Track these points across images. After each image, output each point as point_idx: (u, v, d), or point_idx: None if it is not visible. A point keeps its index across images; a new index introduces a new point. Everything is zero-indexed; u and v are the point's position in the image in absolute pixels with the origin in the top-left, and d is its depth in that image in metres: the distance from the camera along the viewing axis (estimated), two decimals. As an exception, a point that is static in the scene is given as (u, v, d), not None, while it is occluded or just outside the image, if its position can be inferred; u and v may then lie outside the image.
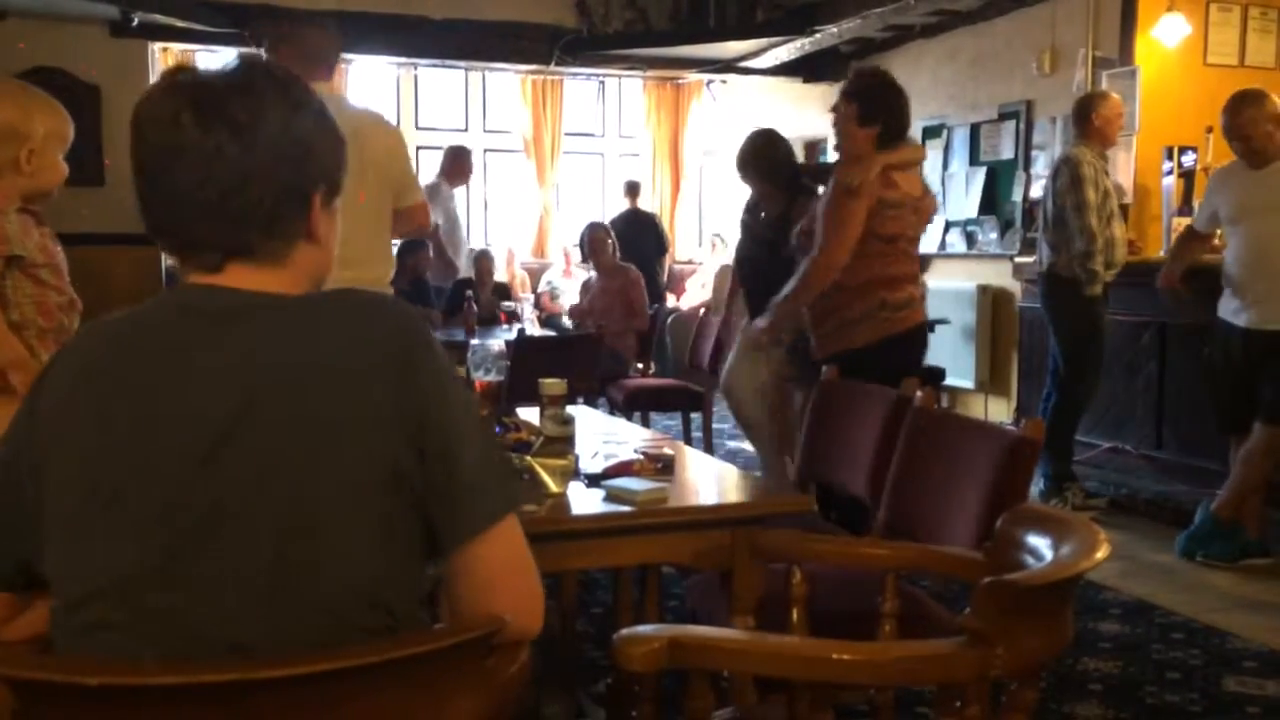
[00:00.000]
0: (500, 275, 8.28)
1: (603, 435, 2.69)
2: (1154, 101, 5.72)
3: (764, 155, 4.39)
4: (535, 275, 9.33)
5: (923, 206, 3.62)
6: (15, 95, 2.37)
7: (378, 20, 7.81)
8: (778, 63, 8.33)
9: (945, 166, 7.19)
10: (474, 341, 5.39)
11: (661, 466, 2.20)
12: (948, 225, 7.10)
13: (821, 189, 3.97)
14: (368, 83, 9.36)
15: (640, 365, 6.31)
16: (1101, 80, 5.91)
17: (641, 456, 2.24)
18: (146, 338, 1.14)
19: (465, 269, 7.27)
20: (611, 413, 5.26)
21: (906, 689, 2.61)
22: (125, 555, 1.06)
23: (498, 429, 2.29)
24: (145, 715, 0.98)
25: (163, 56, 8.30)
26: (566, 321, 8.09)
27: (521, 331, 5.85)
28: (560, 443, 2.05)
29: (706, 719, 1.46)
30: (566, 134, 9.92)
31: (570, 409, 2.22)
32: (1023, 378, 6.14)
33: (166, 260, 7.69)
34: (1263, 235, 4.03)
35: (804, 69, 8.43)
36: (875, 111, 3.48)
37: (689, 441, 5.28)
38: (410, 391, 1.11)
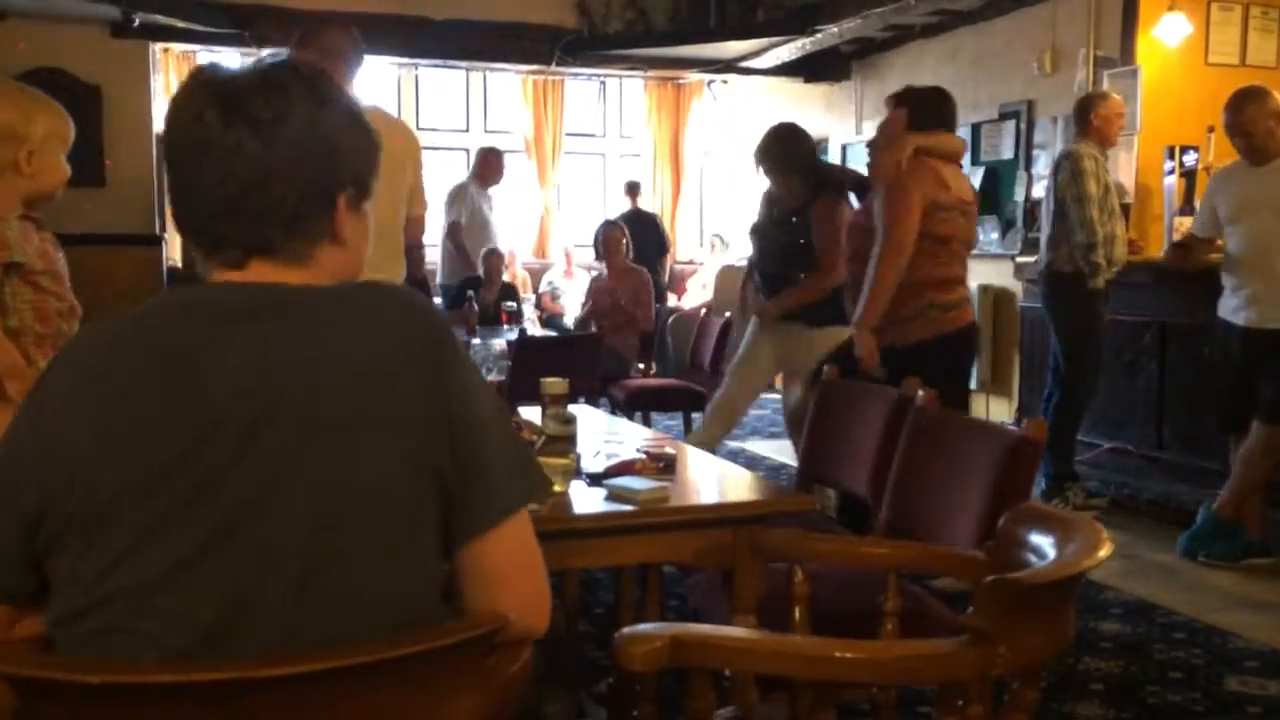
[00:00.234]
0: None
1: (604, 435, 2.69)
2: (1155, 101, 5.72)
3: (786, 148, 4.38)
4: (536, 275, 9.33)
5: (971, 211, 3.74)
6: (14, 96, 2.35)
7: (379, 20, 7.81)
8: (778, 63, 8.33)
9: (946, 166, 7.18)
10: (475, 341, 5.40)
11: (663, 466, 2.20)
12: (949, 225, 7.09)
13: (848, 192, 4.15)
14: (369, 83, 9.36)
15: (641, 365, 6.31)
16: (1102, 80, 5.90)
17: (643, 455, 2.24)
18: (160, 337, 1.11)
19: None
20: (613, 412, 5.26)
21: (908, 688, 2.61)
22: (149, 556, 1.04)
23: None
24: (145, 713, 0.97)
25: (163, 57, 8.31)
26: (568, 321, 8.09)
27: (523, 332, 5.85)
28: (562, 442, 2.05)
29: (708, 718, 1.46)
30: (567, 134, 9.91)
31: (571, 408, 2.22)
32: (1024, 378, 6.14)
33: (168, 261, 7.70)
34: (1262, 233, 4.03)
35: (805, 69, 8.43)
36: (904, 96, 3.78)
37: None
38: (439, 386, 1.11)
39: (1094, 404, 4.92)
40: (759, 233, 4.55)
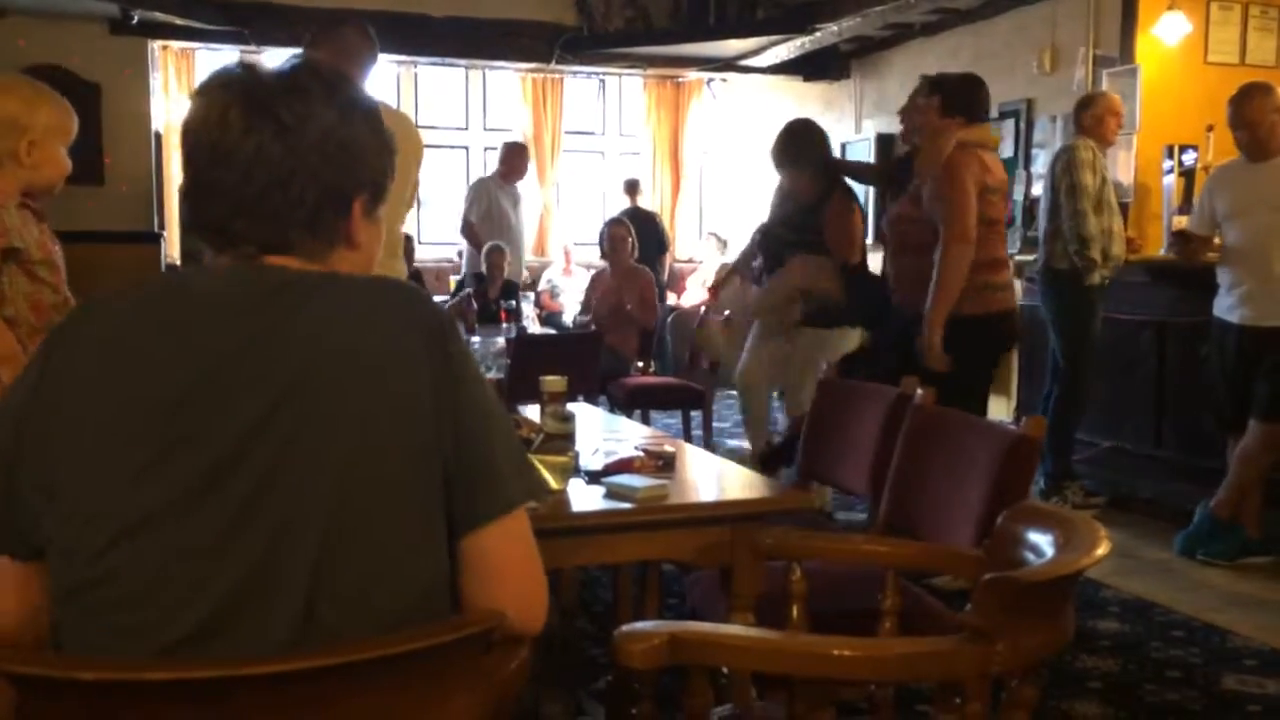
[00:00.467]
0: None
1: (603, 433, 2.69)
2: (1154, 100, 5.72)
3: (800, 143, 4.39)
4: (535, 273, 9.32)
5: (1005, 194, 3.89)
6: (19, 88, 2.37)
7: (378, 18, 7.78)
8: (778, 61, 8.33)
9: (945, 165, 7.18)
10: (474, 339, 5.40)
11: (662, 464, 2.20)
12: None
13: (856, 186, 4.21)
14: (368, 80, 9.34)
15: (640, 364, 6.30)
16: (1102, 79, 5.90)
17: (642, 453, 2.24)
18: (176, 313, 1.12)
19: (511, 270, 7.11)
20: (612, 411, 5.26)
21: (907, 686, 2.61)
22: (167, 530, 1.04)
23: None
24: (143, 709, 0.97)
25: (162, 54, 8.30)
26: (567, 319, 8.08)
27: (522, 330, 5.85)
28: (561, 440, 2.05)
29: (706, 716, 1.46)
30: (567, 132, 9.91)
31: (570, 406, 2.22)
32: (1023, 376, 6.13)
33: (166, 258, 7.70)
34: (1259, 231, 4.03)
35: (804, 67, 8.43)
36: (937, 83, 3.93)
37: (689, 439, 5.28)
38: (449, 376, 1.12)
39: (1092, 402, 4.92)
40: (769, 232, 4.54)
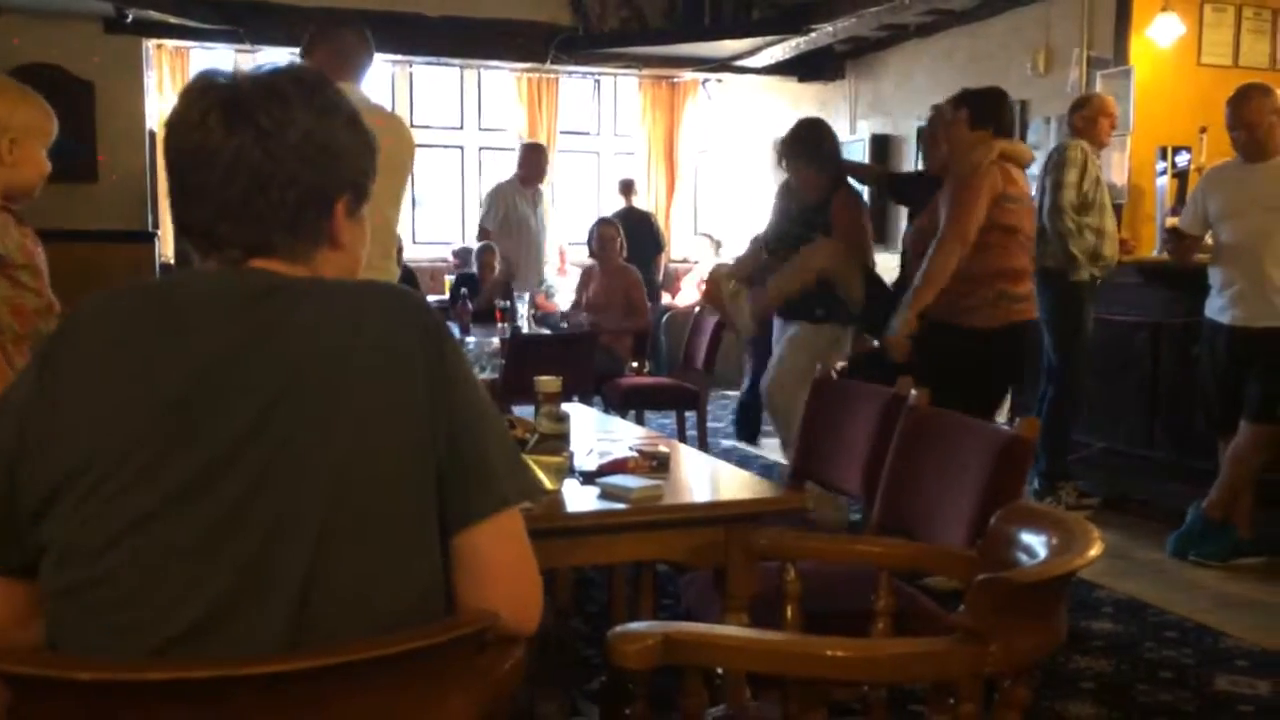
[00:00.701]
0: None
1: (598, 433, 2.69)
2: (1148, 101, 5.73)
3: (810, 141, 4.39)
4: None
5: (1032, 208, 3.90)
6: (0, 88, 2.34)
7: (373, 17, 7.77)
8: (773, 61, 8.34)
9: (940, 166, 7.19)
10: (469, 339, 5.39)
11: (656, 464, 2.21)
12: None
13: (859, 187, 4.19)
14: (363, 80, 9.33)
15: (635, 364, 6.30)
16: (1096, 80, 5.92)
17: (636, 454, 2.24)
18: (173, 314, 1.13)
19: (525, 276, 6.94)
20: (606, 411, 5.26)
21: (900, 686, 2.62)
22: (163, 527, 1.04)
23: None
24: (140, 710, 0.97)
25: (156, 53, 8.28)
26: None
27: (516, 330, 5.84)
28: (555, 440, 2.05)
29: (700, 716, 1.46)
30: (562, 132, 9.90)
31: (565, 407, 2.23)
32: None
33: (160, 257, 7.68)
34: (1252, 232, 4.04)
35: (799, 68, 8.44)
36: (963, 97, 3.92)
37: (683, 440, 5.28)
38: (442, 376, 1.13)
39: (1086, 403, 4.93)
40: (782, 233, 4.52)
